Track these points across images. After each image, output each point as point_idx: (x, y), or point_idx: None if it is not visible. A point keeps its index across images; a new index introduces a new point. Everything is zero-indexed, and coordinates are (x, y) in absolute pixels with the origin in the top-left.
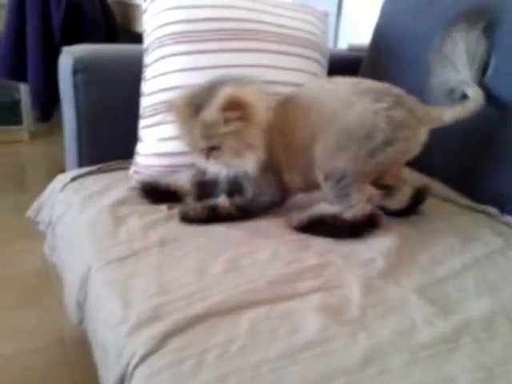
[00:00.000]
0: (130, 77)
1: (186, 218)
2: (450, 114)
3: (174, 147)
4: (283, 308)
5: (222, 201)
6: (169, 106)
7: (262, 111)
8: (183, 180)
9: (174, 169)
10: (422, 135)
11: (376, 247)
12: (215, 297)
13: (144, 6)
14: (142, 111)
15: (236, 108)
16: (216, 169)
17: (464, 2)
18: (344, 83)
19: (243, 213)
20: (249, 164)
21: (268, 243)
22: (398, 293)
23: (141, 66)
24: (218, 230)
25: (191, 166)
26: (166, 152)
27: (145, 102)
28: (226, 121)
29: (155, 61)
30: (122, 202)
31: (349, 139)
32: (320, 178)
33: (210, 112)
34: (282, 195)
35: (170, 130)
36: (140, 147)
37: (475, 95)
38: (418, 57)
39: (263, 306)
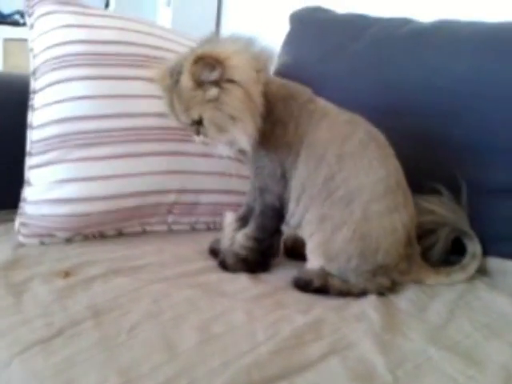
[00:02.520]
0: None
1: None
2: (432, 280)
3: (76, 191)
4: (305, 382)
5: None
6: (152, 78)
7: (245, 71)
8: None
9: (78, 219)
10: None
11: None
12: (209, 381)
13: (29, 21)
14: (29, 147)
15: (211, 65)
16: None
17: (371, 49)
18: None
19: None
20: (238, 141)
21: (233, 302)
22: (413, 347)
23: (15, 93)
24: (160, 291)
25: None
26: (64, 198)
27: (34, 136)
28: (203, 87)
29: (47, 86)
30: (12, 265)
31: (372, 255)
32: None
33: (183, 77)
34: (283, 199)
35: (69, 169)
36: (28, 193)
37: (470, 259)
38: (329, 99)
39: (279, 382)
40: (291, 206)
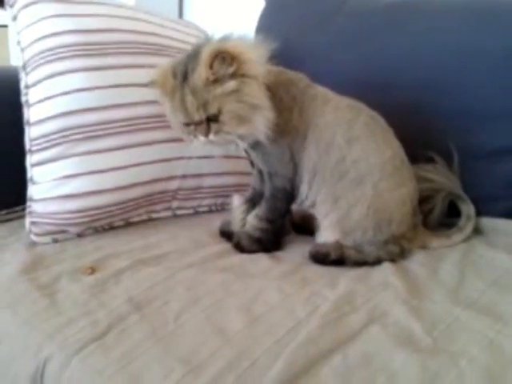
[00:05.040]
0: None
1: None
2: (435, 244)
3: (83, 185)
4: (357, 351)
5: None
6: (149, 83)
7: (257, 62)
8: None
9: (88, 213)
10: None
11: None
12: (272, 361)
13: (12, 12)
14: (28, 145)
15: (227, 63)
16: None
17: (352, 22)
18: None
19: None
20: (259, 130)
21: (263, 283)
22: (440, 309)
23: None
24: (191, 277)
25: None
26: (72, 193)
27: (33, 133)
28: (220, 81)
29: (42, 80)
30: (33, 266)
31: (386, 226)
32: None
33: (198, 73)
34: (293, 182)
35: (73, 164)
36: (34, 191)
37: (466, 221)
38: (312, 72)
39: (334, 354)
40: (304, 189)
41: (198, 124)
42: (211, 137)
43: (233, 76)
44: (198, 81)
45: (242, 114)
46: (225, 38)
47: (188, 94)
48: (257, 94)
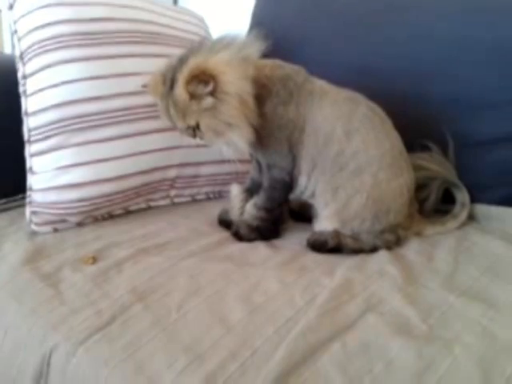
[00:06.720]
0: None
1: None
2: (430, 231)
3: (82, 175)
4: (355, 339)
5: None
6: (143, 86)
7: (236, 82)
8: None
9: (88, 203)
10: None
11: (366, 255)
12: (273, 350)
13: (8, 0)
14: (27, 135)
15: (205, 81)
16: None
17: (351, 7)
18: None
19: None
20: (237, 143)
21: (263, 272)
22: (435, 296)
23: None
24: (192, 267)
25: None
26: (71, 183)
27: (31, 123)
28: (197, 97)
29: (39, 70)
30: (35, 256)
31: (384, 216)
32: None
33: (177, 89)
34: (292, 174)
35: (72, 154)
36: (33, 181)
37: (460, 208)
38: (310, 59)
39: (332, 343)
40: (303, 180)
41: (185, 129)
42: (198, 140)
43: (211, 93)
44: (179, 96)
45: (218, 129)
46: (214, 45)
47: (171, 104)
48: (233, 112)
